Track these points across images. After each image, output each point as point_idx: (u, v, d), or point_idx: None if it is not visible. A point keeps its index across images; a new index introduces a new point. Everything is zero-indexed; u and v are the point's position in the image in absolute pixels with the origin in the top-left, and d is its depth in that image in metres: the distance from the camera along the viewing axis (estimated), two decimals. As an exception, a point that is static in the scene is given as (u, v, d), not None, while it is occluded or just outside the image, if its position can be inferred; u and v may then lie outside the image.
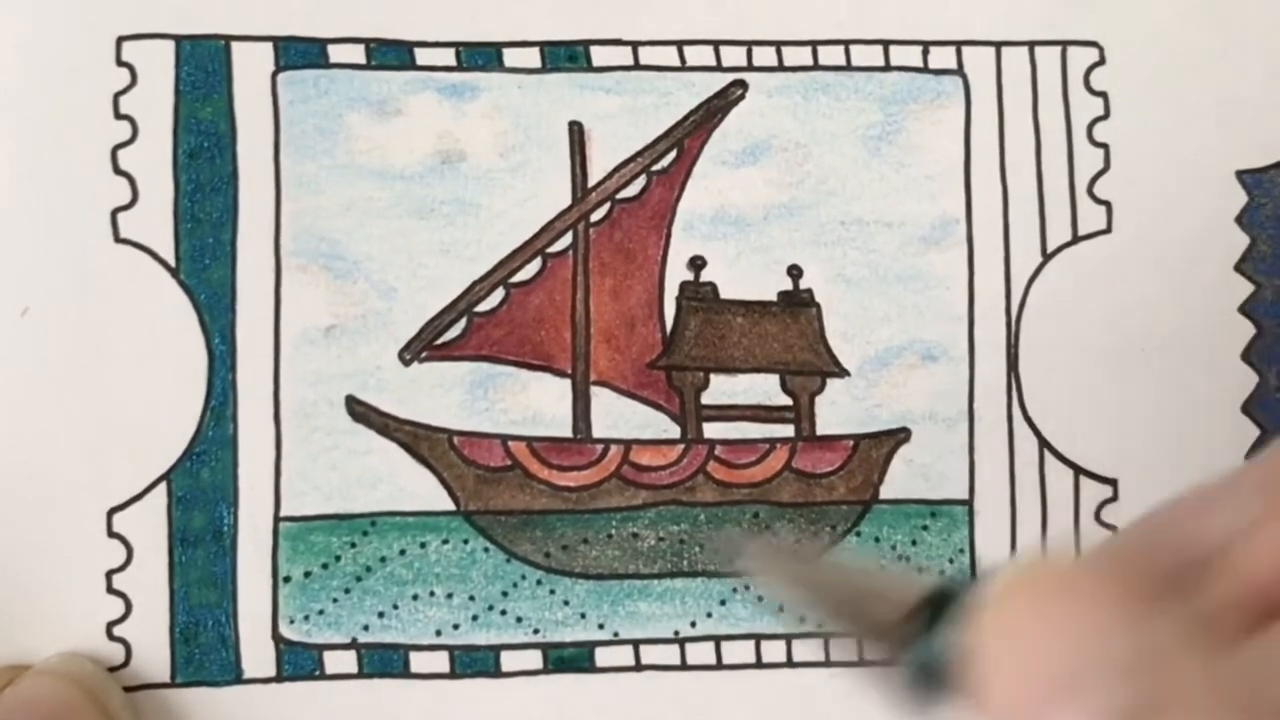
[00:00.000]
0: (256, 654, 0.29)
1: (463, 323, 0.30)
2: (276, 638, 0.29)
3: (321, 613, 0.30)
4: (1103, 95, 0.31)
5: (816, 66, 0.31)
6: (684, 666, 0.30)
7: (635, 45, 0.31)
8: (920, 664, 0.19)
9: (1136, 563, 0.18)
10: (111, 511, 0.29)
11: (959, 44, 0.31)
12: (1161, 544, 0.18)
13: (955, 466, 0.31)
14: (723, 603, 0.30)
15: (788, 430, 0.31)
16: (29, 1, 0.29)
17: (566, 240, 0.31)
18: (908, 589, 0.20)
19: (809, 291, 0.31)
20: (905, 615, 0.20)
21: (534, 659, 0.30)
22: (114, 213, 0.29)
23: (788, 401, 0.31)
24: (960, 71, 0.31)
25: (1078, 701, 0.17)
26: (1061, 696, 0.17)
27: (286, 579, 0.29)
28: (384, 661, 0.30)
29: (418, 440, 0.30)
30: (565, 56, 0.31)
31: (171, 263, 0.29)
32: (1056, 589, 0.18)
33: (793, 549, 0.29)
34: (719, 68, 0.31)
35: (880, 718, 0.31)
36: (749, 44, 0.31)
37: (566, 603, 0.30)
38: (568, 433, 0.30)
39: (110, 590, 0.29)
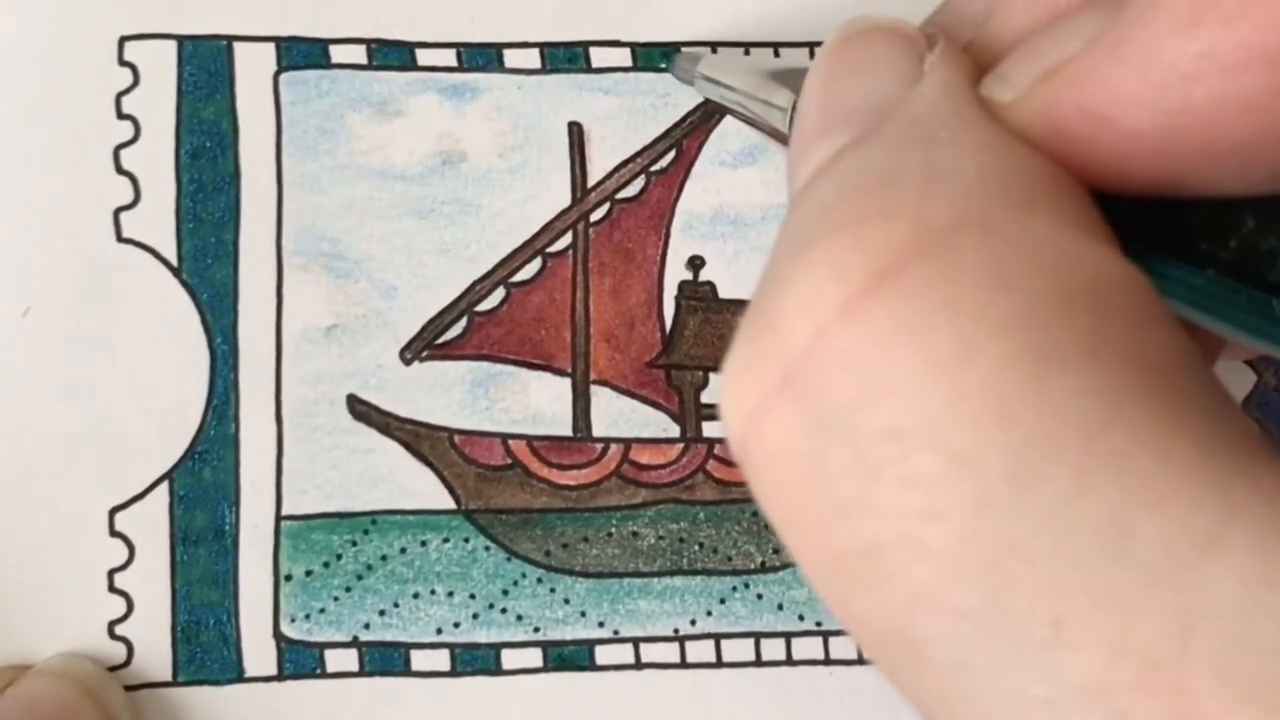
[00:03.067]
0: (258, 652, 0.29)
1: (463, 322, 0.30)
2: (278, 636, 0.29)
3: (323, 611, 0.30)
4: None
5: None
6: (684, 664, 0.30)
7: (634, 47, 0.31)
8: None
9: (928, 26, 0.20)
10: (113, 510, 0.29)
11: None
12: (943, 20, 0.21)
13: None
14: (722, 601, 0.30)
15: (787, 429, 0.31)
16: (30, 1, 0.29)
17: (566, 240, 0.31)
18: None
19: (807, 291, 0.31)
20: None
21: (534, 657, 0.30)
22: (116, 212, 0.29)
23: (787, 400, 0.31)
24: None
25: (829, 139, 0.18)
26: (819, 133, 0.19)
27: (288, 577, 0.30)
28: (385, 660, 0.30)
29: (418, 439, 0.30)
30: (565, 58, 0.31)
31: (174, 262, 0.30)
32: (857, 42, 0.20)
33: (716, 56, 0.30)
34: (717, 69, 0.31)
35: (880, 718, 0.31)
36: (746, 45, 0.31)
37: (567, 601, 0.30)
38: (568, 431, 0.31)
39: (112, 589, 0.29)
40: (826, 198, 0.17)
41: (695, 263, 0.31)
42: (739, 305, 0.31)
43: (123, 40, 0.30)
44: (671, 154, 0.31)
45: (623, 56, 0.31)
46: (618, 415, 0.31)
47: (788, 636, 0.30)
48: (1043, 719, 0.13)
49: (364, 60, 0.30)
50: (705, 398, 0.31)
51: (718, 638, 0.30)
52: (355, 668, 0.30)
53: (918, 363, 0.15)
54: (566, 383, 0.31)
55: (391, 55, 0.30)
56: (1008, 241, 0.15)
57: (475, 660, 0.30)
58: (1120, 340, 0.15)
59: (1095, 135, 0.17)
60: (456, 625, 0.30)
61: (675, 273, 0.31)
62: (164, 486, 0.29)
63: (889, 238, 0.15)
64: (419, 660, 0.30)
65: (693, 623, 0.30)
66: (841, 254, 0.16)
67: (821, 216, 0.17)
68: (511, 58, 0.31)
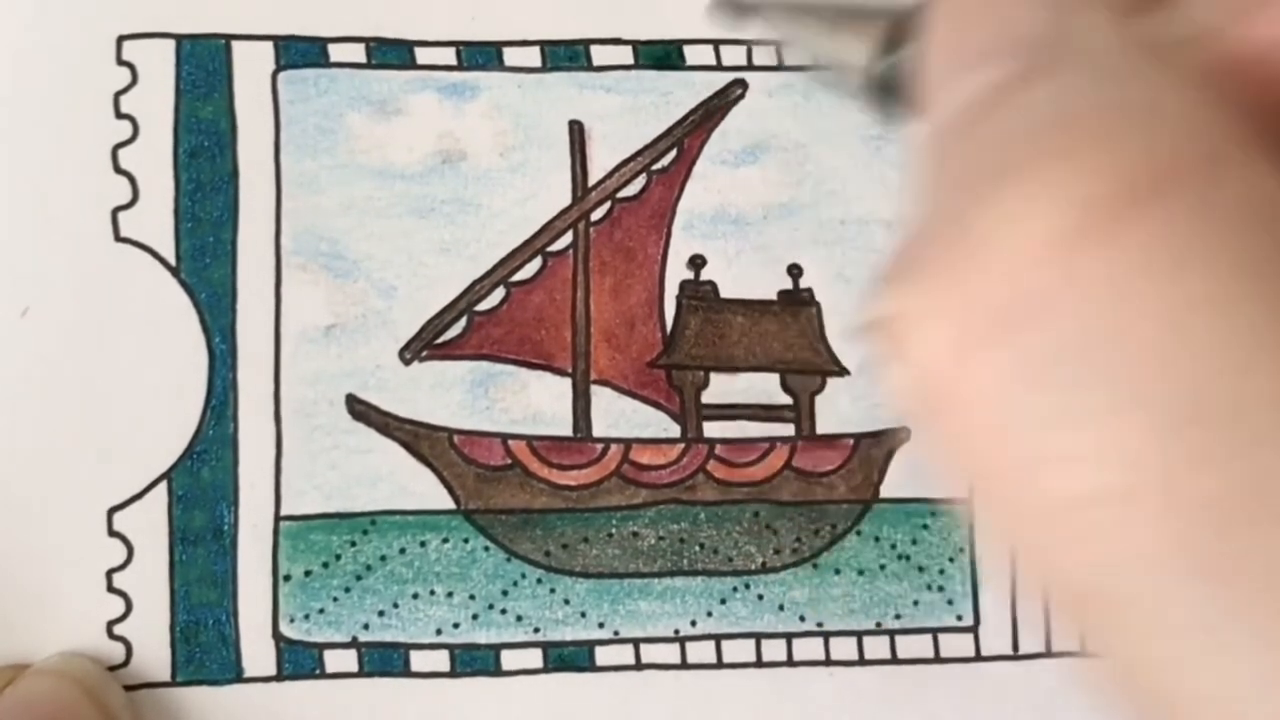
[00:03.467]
0: (257, 653, 0.29)
1: (463, 322, 0.30)
2: (277, 636, 0.29)
3: (322, 611, 0.30)
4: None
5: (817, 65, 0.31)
6: (684, 665, 0.30)
7: (635, 44, 0.31)
8: (882, 77, 0.19)
9: None
10: (112, 510, 0.29)
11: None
12: None
13: (955, 465, 0.31)
14: (723, 601, 0.30)
15: (788, 429, 0.31)
16: (29, 1, 0.29)
17: (567, 239, 0.31)
18: (879, 14, 0.20)
19: (809, 290, 0.31)
20: (875, 36, 0.20)
21: (534, 658, 0.30)
22: (114, 212, 0.29)
23: (788, 400, 0.31)
24: (960, 71, 0.31)
25: (982, 69, 0.17)
26: (973, 59, 0.17)
27: (287, 578, 0.30)
28: (384, 660, 0.30)
29: (418, 439, 0.30)
30: (565, 56, 0.31)
31: (172, 262, 0.30)
32: None
33: None
34: (719, 67, 0.31)
35: (880, 718, 0.31)
36: (749, 43, 0.31)
37: (567, 601, 0.30)
38: (568, 432, 0.30)
39: (110, 589, 0.29)
40: (1017, 126, 0.16)
41: (696, 262, 0.31)
42: (740, 305, 0.31)
43: (121, 39, 0.29)
44: (673, 153, 0.31)
45: (624, 54, 0.31)
46: (618, 415, 0.31)
47: (788, 637, 0.30)
48: (1258, 689, 0.13)
49: (363, 59, 0.30)
50: (706, 398, 0.31)
51: (718, 638, 0.30)
52: (354, 668, 0.30)
53: (1164, 303, 0.14)
54: (567, 382, 0.30)
55: (391, 54, 0.30)
56: (1239, 181, 0.14)
57: (475, 661, 0.30)
58: None
59: None
60: (456, 626, 0.30)
61: (676, 272, 0.31)
62: (163, 486, 0.29)
63: (1117, 169, 0.14)
64: (418, 661, 0.30)
65: (693, 623, 0.30)
66: (1064, 183, 0.14)
67: (1020, 145, 0.15)
68: (511, 56, 0.30)
